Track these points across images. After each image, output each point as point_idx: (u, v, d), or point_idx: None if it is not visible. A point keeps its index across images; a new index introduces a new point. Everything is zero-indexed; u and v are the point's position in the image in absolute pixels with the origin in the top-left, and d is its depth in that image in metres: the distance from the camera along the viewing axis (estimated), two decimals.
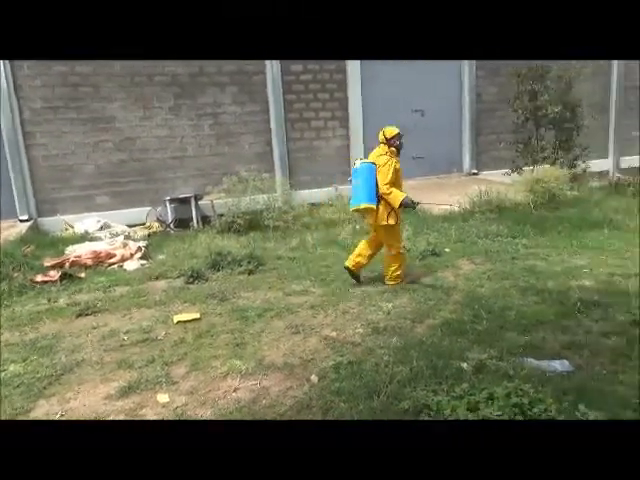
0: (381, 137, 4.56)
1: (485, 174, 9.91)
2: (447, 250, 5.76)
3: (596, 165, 10.26)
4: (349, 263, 4.69)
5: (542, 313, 3.78)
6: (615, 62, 11.19)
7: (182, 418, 2.69)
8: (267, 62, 8.36)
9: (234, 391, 2.96)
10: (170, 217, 7.80)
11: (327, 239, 6.48)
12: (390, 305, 4.13)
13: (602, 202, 7.83)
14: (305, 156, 8.92)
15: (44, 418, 2.75)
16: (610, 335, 3.37)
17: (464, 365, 2.99)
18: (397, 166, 4.49)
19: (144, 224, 7.79)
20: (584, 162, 9.16)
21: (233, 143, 8.44)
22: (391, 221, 4.46)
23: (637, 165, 11.03)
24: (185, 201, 7.85)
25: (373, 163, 4.47)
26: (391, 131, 4.52)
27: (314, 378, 3.03)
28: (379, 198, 4.41)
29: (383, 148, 4.53)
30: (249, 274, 5.18)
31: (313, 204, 8.14)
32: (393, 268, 4.62)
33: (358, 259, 4.68)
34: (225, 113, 8.33)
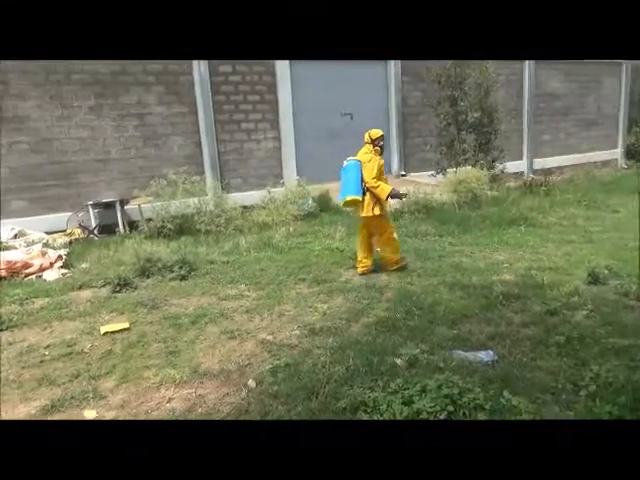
0: (367, 138, 5.01)
1: (413, 176, 10.29)
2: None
3: (512, 166, 11.01)
4: (360, 271, 5.03)
5: (468, 307, 3.98)
6: (526, 71, 12.07)
7: None
8: (194, 62, 8.17)
9: (168, 401, 2.85)
10: (93, 223, 7.38)
11: (261, 242, 6.43)
12: (325, 306, 4.18)
13: (518, 201, 8.39)
14: (236, 158, 8.81)
15: None
16: (529, 325, 3.62)
17: (398, 361, 3.09)
18: (381, 162, 4.95)
19: (65, 231, 7.32)
20: (502, 164, 9.80)
21: (160, 145, 8.15)
22: (376, 212, 4.88)
23: (548, 166, 11.97)
24: (109, 206, 7.47)
25: (359, 161, 4.89)
26: (376, 133, 5.00)
27: (251, 383, 3.00)
28: (364, 191, 4.83)
29: (368, 147, 4.98)
30: (181, 280, 5.03)
31: (246, 207, 8.05)
32: (389, 251, 5.01)
33: (363, 262, 5.04)
34: (151, 114, 8.03)
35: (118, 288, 4.74)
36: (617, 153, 14.61)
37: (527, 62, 11.99)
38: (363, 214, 4.92)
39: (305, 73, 9.16)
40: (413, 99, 10.40)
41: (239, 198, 8.35)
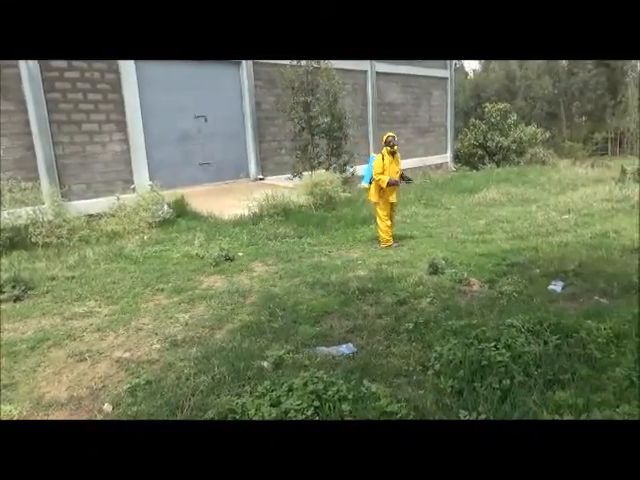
0: (382, 141, 6.45)
1: (271, 179, 10.44)
2: (240, 254, 5.88)
3: (361, 170, 11.79)
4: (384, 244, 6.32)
5: (328, 304, 4.17)
6: (369, 81, 13.06)
7: None
8: None
9: None
10: None
11: (112, 253, 5.94)
12: (187, 316, 4.02)
13: (368, 201, 9.02)
14: (77, 162, 8.00)
15: None
16: (382, 315, 3.92)
17: (264, 363, 3.10)
18: (390, 159, 6.26)
19: None
20: (352, 167, 10.45)
21: None
22: (374, 199, 6.41)
23: None
24: None
25: (373, 157, 6.46)
26: (385, 136, 6.40)
27: (107, 407, 2.75)
28: (371, 181, 6.43)
29: (384, 148, 6.32)
30: (15, 301, 4.41)
31: (92, 215, 7.37)
32: (380, 230, 6.33)
33: (384, 234, 6.35)
34: None
35: None
36: (447, 157, 16.63)
37: (369, 74, 12.98)
38: (369, 198, 6.55)
39: (153, 73, 8.70)
40: (267, 104, 10.55)
41: (83, 206, 7.63)
